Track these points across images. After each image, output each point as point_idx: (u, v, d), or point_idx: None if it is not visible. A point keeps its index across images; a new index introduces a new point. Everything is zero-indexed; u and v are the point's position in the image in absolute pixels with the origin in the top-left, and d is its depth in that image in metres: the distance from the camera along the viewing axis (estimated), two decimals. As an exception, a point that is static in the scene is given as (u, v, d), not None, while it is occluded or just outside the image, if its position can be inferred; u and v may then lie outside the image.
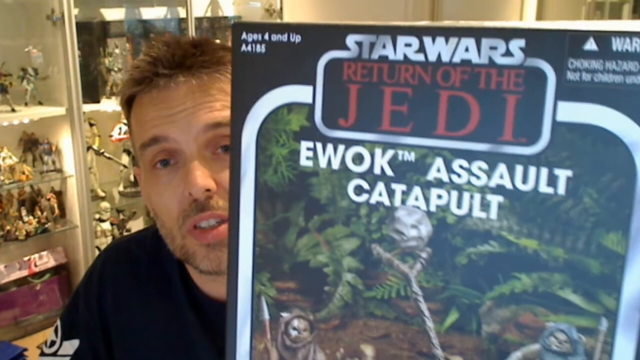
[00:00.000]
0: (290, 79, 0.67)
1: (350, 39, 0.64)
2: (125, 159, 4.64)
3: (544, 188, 0.60)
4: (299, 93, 0.67)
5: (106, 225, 4.55)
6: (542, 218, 0.61)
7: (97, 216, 4.49)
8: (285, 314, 0.72)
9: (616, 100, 0.57)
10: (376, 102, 0.64)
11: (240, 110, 0.69)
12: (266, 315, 0.72)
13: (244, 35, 0.68)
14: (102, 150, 4.50)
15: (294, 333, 0.71)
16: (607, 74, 0.57)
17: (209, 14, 5.17)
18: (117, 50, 4.52)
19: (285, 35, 0.66)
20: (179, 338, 1.28)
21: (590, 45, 0.57)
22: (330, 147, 0.67)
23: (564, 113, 0.58)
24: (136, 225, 4.83)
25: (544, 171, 0.60)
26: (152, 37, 4.76)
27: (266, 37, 0.67)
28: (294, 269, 0.70)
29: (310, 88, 0.66)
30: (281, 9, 5.26)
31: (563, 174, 0.59)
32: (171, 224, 1.16)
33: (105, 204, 4.54)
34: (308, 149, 0.68)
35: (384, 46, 0.63)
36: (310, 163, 0.68)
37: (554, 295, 0.61)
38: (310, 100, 0.67)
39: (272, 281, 0.72)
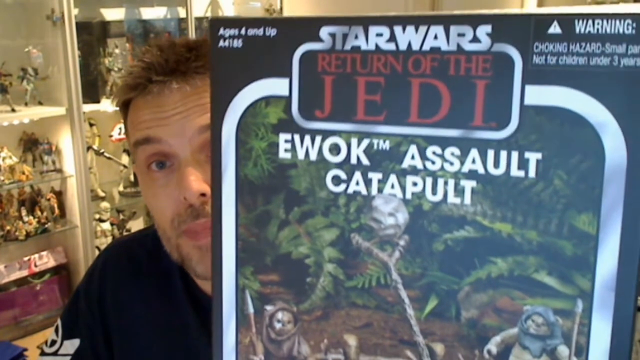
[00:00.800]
0: (267, 72, 0.68)
1: (324, 31, 0.65)
2: (125, 159, 4.64)
3: (515, 172, 0.61)
4: (275, 86, 0.68)
5: (106, 225, 4.55)
6: (514, 201, 0.61)
7: (97, 216, 4.49)
8: (269, 307, 0.72)
9: (581, 82, 0.58)
10: (350, 92, 0.65)
11: (219, 105, 0.70)
12: (251, 309, 0.73)
13: (221, 31, 0.69)
14: (102, 150, 4.50)
15: (278, 325, 0.72)
16: (571, 57, 0.58)
17: (209, 14, 5.17)
18: (117, 50, 4.52)
19: (261, 30, 0.67)
20: (179, 337, 1.28)
21: (555, 28, 0.58)
22: (307, 138, 0.67)
23: (532, 96, 0.59)
24: (136, 225, 4.83)
25: (515, 155, 0.61)
26: (152, 37, 4.77)
27: (242, 31, 0.68)
28: (276, 262, 0.71)
29: (286, 80, 0.67)
30: (281, 9, 5.27)
31: (533, 157, 0.60)
32: (166, 225, 1.16)
33: (105, 204, 4.54)
34: (286, 141, 0.68)
35: (356, 37, 0.64)
36: (288, 155, 0.68)
37: (530, 278, 0.62)
38: (287, 93, 0.67)
39: (255, 274, 0.72)
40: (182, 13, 4.84)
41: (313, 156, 0.67)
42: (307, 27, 0.66)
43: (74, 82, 4.02)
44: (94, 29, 4.52)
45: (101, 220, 4.52)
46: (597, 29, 0.57)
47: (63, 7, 3.91)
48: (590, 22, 0.57)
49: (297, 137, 0.68)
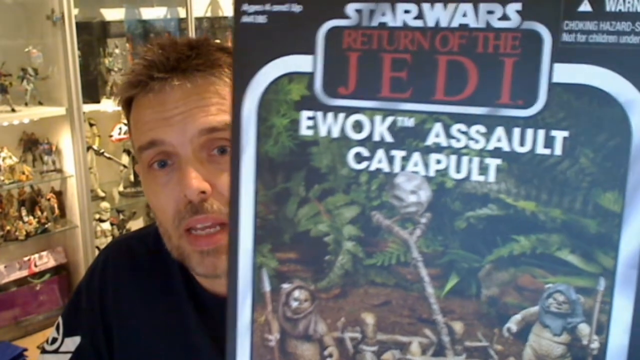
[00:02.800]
0: (291, 49, 0.68)
1: (351, 7, 0.65)
2: (125, 159, 4.63)
3: (541, 149, 0.61)
4: (299, 62, 0.67)
5: (106, 225, 4.54)
6: (539, 179, 0.61)
7: (97, 216, 4.48)
8: (286, 285, 0.72)
9: (610, 60, 0.58)
10: (376, 69, 0.65)
11: (240, 82, 0.70)
12: (267, 287, 0.73)
13: (244, 6, 0.69)
14: (102, 150, 4.49)
15: (294, 304, 0.72)
16: (601, 35, 0.58)
17: (209, 14, 5.16)
18: (117, 51, 4.51)
19: (286, 5, 0.67)
20: (180, 334, 1.28)
21: (585, 6, 0.58)
22: (330, 115, 0.67)
23: (560, 74, 0.59)
24: (136, 225, 4.81)
25: (541, 133, 0.61)
26: (152, 37, 4.77)
27: (267, 7, 0.68)
28: (294, 239, 0.71)
29: (310, 57, 0.67)
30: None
31: (560, 135, 0.60)
32: (167, 224, 1.18)
33: (105, 204, 4.53)
34: (308, 118, 0.68)
35: (383, 13, 0.64)
36: (310, 132, 0.68)
37: (552, 256, 0.62)
38: (310, 69, 0.67)
39: (273, 252, 0.72)
40: (182, 13, 4.84)
41: (335, 133, 0.67)
42: (334, 3, 0.66)
43: (74, 82, 4.02)
44: (94, 29, 4.51)
45: (101, 220, 4.51)
46: (628, 7, 0.57)
47: (63, 7, 3.91)
48: (620, 0, 0.57)
49: (319, 114, 0.68)
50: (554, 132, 0.60)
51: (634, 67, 0.57)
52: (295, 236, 0.71)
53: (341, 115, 0.67)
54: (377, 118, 0.66)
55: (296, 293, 0.72)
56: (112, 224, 4.62)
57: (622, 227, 0.60)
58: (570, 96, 0.59)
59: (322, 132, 0.68)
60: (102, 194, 4.58)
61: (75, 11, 3.99)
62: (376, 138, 0.66)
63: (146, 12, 4.83)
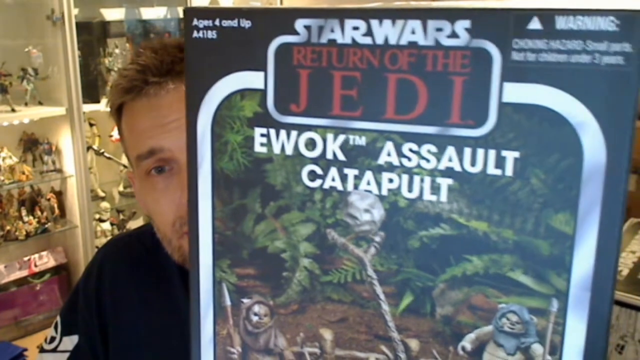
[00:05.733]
0: (242, 65, 0.67)
1: (299, 23, 0.64)
2: (125, 159, 4.63)
3: (492, 170, 0.60)
4: (251, 79, 0.67)
5: (106, 225, 4.55)
6: (491, 200, 0.61)
7: (97, 216, 4.49)
8: (246, 300, 0.72)
9: (561, 80, 0.57)
10: (326, 86, 0.64)
11: (194, 98, 0.70)
12: (228, 302, 0.73)
13: (195, 22, 0.68)
14: (102, 150, 4.50)
15: (255, 318, 0.72)
16: (551, 54, 0.57)
17: (209, 14, 5.16)
18: (117, 50, 4.51)
19: (236, 21, 0.67)
20: (177, 335, 1.28)
21: (535, 24, 0.57)
22: (283, 133, 0.67)
23: (510, 94, 0.58)
24: (136, 225, 4.81)
25: (492, 153, 0.60)
26: (152, 37, 4.76)
27: (217, 22, 0.67)
28: (252, 255, 0.71)
29: (262, 74, 0.67)
30: (281, 8, 5.25)
31: (510, 155, 0.60)
32: (167, 228, 1.17)
33: (105, 204, 4.54)
34: (262, 135, 0.68)
35: (332, 30, 0.63)
36: (264, 149, 0.68)
37: (505, 276, 0.62)
38: (262, 86, 0.67)
39: (232, 268, 0.72)
40: (182, 13, 4.83)
41: (289, 151, 0.67)
42: (282, 19, 0.65)
43: (74, 82, 4.02)
44: (94, 29, 4.51)
45: (101, 220, 4.52)
46: (579, 25, 0.56)
47: (63, 7, 3.91)
48: (571, 18, 0.56)
49: (272, 132, 0.67)
50: (504, 153, 0.60)
51: (585, 87, 0.56)
52: (253, 252, 0.71)
53: (294, 133, 0.66)
54: (329, 136, 0.65)
55: (256, 308, 0.72)
56: (112, 224, 4.63)
57: (575, 249, 0.59)
58: (521, 116, 0.58)
59: (276, 149, 0.67)
60: (102, 194, 4.59)
61: (75, 11, 4.00)
62: (329, 156, 0.66)
63: (146, 12, 4.83)
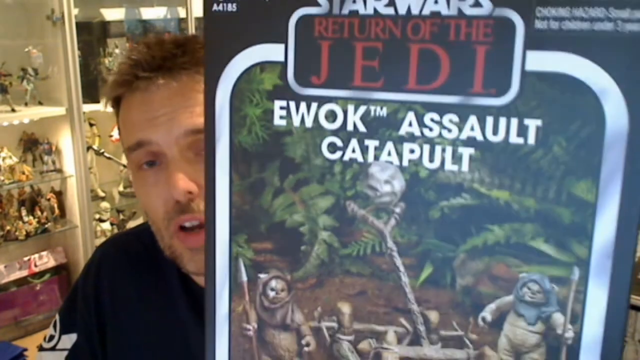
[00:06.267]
0: (262, 37, 0.67)
1: None
2: (125, 159, 4.63)
3: (514, 138, 0.60)
4: (271, 51, 0.67)
5: (106, 225, 4.54)
6: (513, 169, 0.61)
7: (97, 216, 4.48)
8: (262, 275, 0.72)
9: (584, 48, 0.57)
10: (348, 57, 0.64)
11: (213, 71, 0.70)
12: (244, 277, 0.73)
13: None
14: (102, 150, 4.49)
15: (271, 294, 0.72)
16: (574, 22, 0.57)
17: (209, 14, 5.16)
18: (117, 50, 4.50)
19: None
20: (175, 331, 1.28)
21: None
22: (303, 105, 0.67)
23: (533, 62, 0.59)
24: (136, 225, 4.81)
25: (514, 121, 0.60)
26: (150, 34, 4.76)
27: None
28: (270, 230, 0.71)
29: (282, 46, 0.67)
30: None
31: (533, 124, 0.60)
32: (158, 223, 1.18)
33: (105, 204, 4.54)
34: (281, 107, 0.68)
35: (354, 1, 0.63)
36: (283, 122, 0.68)
37: (526, 245, 0.62)
38: (282, 59, 0.67)
39: (249, 242, 0.72)
40: (182, 13, 4.84)
41: (309, 123, 0.67)
42: None
43: (74, 82, 4.02)
44: (94, 29, 4.51)
45: (101, 220, 4.51)
46: None
47: (63, 7, 3.91)
48: None
49: (292, 104, 0.67)
50: (527, 121, 0.60)
51: (608, 55, 0.57)
52: (271, 226, 0.71)
53: (314, 105, 0.67)
54: (350, 107, 0.65)
55: (273, 283, 0.72)
56: (112, 224, 4.62)
57: (596, 217, 0.59)
58: (544, 84, 0.59)
59: (296, 122, 0.67)
60: (102, 194, 4.58)
61: (75, 11, 3.99)
62: (349, 128, 0.66)
63: (146, 12, 4.83)
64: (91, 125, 4.44)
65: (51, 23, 3.99)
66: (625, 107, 0.57)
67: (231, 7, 0.68)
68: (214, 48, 0.69)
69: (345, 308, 0.69)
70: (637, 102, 0.56)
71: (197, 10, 4.76)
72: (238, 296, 0.74)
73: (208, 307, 0.75)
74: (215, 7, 0.68)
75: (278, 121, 0.68)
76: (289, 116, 0.68)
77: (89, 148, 4.32)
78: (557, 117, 0.59)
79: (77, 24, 4.00)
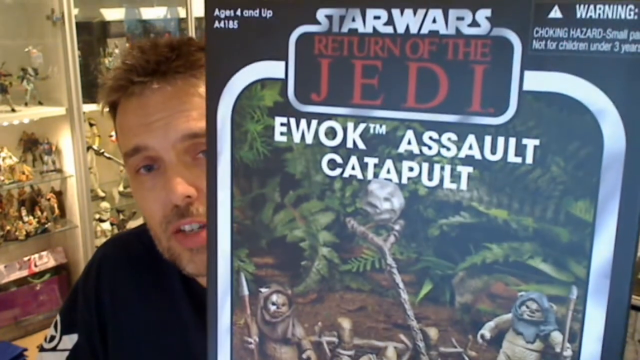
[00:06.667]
0: (263, 55, 0.68)
1: (321, 13, 0.65)
2: (125, 160, 4.62)
3: (512, 158, 0.61)
4: (271, 68, 0.67)
5: (106, 225, 4.54)
6: (511, 188, 0.61)
7: (97, 216, 4.48)
8: (264, 289, 0.72)
9: (581, 68, 0.57)
10: (347, 75, 0.65)
11: (214, 87, 0.70)
12: (245, 291, 0.73)
13: (216, 12, 0.69)
14: (102, 150, 4.50)
15: (272, 308, 0.72)
16: (572, 42, 0.57)
17: (209, 14, 5.16)
18: (117, 50, 4.50)
19: (257, 11, 0.67)
20: (176, 333, 1.28)
21: (555, 13, 0.57)
22: (303, 122, 0.67)
23: (531, 82, 0.59)
24: (136, 225, 4.81)
25: (512, 141, 0.61)
26: (152, 37, 4.76)
27: (238, 12, 0.68)
28: (271, 245, 0.71)
29: (282, 63, 0.67)
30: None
31: (531, 143, 0.60)
32: (156, 227, 1.18)
33: (105, 204, 4.54)
34: (282, 124, 0.68)
35: (353, 19, 0.64)
36: (284, 138, 0.68)
37: (525, 264, 0.62)
38: (283, 76, 0.67)
39: (250, 257, 0.72)
40: (182, 13, 4.84)
41: (309, 140, 0.67)
42: (304, 9, 0.66)
43: (74, 82, 4.02)
44: (94, 29, 4.51)
45: (101, 220, 4.51)
46: (599, 14, 0.56)
47: (63, 7, 3.91)
48: (591, 7, 0.56)
49: (293, 121, 0.68)
50: (525, 141, 0.60)
51: (605, 75, 0.57)
52: (272, 241, 0.71)
53: (314, 122, 0.67)
54: (350, 125, 0.66)
55: (274, 297, 0.72)
56: (112, 224, 4.62)
57: (594, 236, 0.60)
58: (541, 104, 0.59)
59: (296, 138, 0.68)
60: (102, 194, 4.58)
61: (75, 11, 3.99)
62: (349, 145, 0.66)
63: (146, 12, 4.83)
64: (91, 125, 4.44)
65: (51, 23, 3.99)
66: (623, 128, 0.57)
67: (232, 25, 0.68)
68: (215, 65, 0.70)
69: (346, 323, 0.70)
70: (634, 123, 0.57)
71: (197, 10, 4.76)
72: (240, 309, 0.74)
73: (210, 320, 0.76)
74: (216, 25, 0.69)
75: (279, 137, 0.68)
76: (289, 133, 0.68)
77: (89, 148, 4.32)
78: (555, 137, 0.59)
79: (77, 24, 4.00)
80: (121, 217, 4.70)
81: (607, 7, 0.56)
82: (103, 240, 4.24)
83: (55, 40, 4.01)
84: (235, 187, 0.71)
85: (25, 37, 4.13)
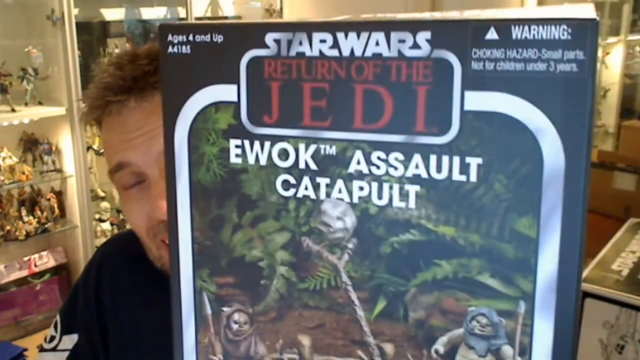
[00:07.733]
0: (216, 79, 0.68)
1: (269, 37, 0.65)
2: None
3: (457, 176, 0.62)
4: (224, 92, 0.68)
5: (106, 225, 4.56)
6: (457, 205, 0.62)
7: (97, 216, 4.50)
8: (226, 308, 0.73)
9: (519, 88, 0.58)
10: (296, 98, 0.65)
11: (170, 111, 0.71)
12: (208, 310, 0.74)
13: (170, 37, 0.69)
14: (102, 150, 4.49)
15: (235, 326, 0.73)
16: (509, 62, 0.58)
17: (209, 14, 5.16)
18: (117, 50, 4.52)
19: (208, 36, 0.68)
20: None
21: (492, 34, 0.58)
22: (257, 144, 0.68)
23: (471, 102, 0.60)
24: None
25: (456, 159, 0.61)
26: (152, 37, 4.76)
27: (190, 37, 0.68)
28: (231, 265, 0.72)
29: (234, 87, 0.68)
30: (281, 9, 5.25)
31: (474, 162, 0.61)
32: (144, 238, 1.20)
33: (105, 204, 4.56)
34: (237, 146, 0.69)
35: (300, 43, 0.64)
36: (239, 160, 0.69)
37: (474, 280, 0.63)
38: (235, 99, 0.68)
39: (211, 277, 0.73)
40: (182, 13, 4.85)
41: (263, 161, 0.68)
42: (253, 33, 0.66)
43: (74, 82, 4.04)
44: (94, 29, 4.53)
45: (101, 220, 4.53)
46: (534, 35, 0.57)
47: (63, 7, 3.93)
48: (526, 27, 0.57)
49: (247, 143, 0.68)
50: (468, 159, 0.61)
51: (542, 94, 0.58)
52: (232, 261, 0.72)
53: (267, 144, 0.68)
54: (301, 146, 0.66)
55: (236, 316, 0.73)
56: (112, 224, 4.64)
57: (539, 251, 0.60)
58: (482, 123, 0.60)
59: (251, 159, 0.69)
60: (102, 194, 4.60)
61: (75, 11, 4.01)
62: (302, 165, 0.67)
63: (146, 12, 4.84)
64: (91, 125, 4.44)
65: (51, 23, 4.01)
66: (561, 145, 0.58)
67: (185, 50, 0.69)
68: (170, 89, 0.71)
69: (305, 340, 0.70)
70: (572, 141, 0.58)
71: (197, 10, 4.77)
72: (204, 328, 0.75)
73: (176, 339, 0.77)
74: (170, 50, 0.69)
75: (234, 159, 0.69)
76: (244, 154, 0.69)
77: (89, 148, 4.34)
78: (497, 155, 0.60)
79: (77, 24, 4.03)
80: (121, 217, 4.71)
81: (541, 27, 0.57)
82: (103, 240, 4.26)
83: (55, 40, 4.03)
84: (194, 208, 0.72)
85: (25, 37, 4.15)
